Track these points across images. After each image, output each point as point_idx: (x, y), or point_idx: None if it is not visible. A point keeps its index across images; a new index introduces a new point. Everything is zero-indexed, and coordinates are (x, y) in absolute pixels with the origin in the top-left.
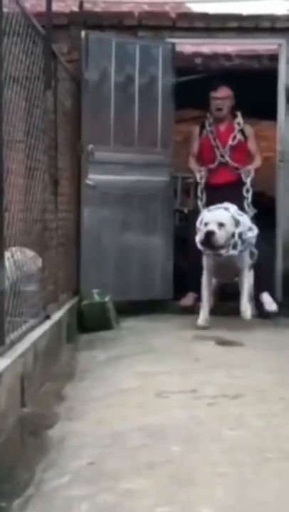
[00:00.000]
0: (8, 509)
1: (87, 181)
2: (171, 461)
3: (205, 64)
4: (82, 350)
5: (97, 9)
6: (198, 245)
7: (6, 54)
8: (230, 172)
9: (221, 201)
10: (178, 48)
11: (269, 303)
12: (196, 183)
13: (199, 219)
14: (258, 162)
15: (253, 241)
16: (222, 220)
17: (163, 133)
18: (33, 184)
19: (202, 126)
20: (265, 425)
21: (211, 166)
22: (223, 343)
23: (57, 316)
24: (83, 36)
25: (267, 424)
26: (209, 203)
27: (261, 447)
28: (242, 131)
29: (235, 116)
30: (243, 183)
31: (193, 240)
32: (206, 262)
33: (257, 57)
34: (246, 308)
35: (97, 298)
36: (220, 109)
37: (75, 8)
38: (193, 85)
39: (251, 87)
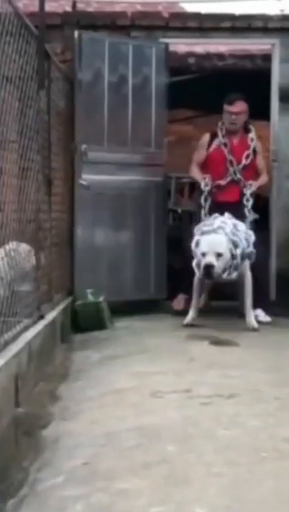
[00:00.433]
0: (2, 509)
1: (81, 181)
2: (165, 461)
3: (198, 64)
4: (77, 350)
5: (90, 9)
6: (195, 267)
7: None
8: (239, 190)
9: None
10: (171, 48)
11: (263, 316)
12: (191, 185)
13: (195, 240)
14: (263, 179)
15: (251, 249)
16: (219, 249)
17: (156, 133)
18: (27, 184)
19: (212, 136)
20: (260, 425)
21: (222, 182)
22: (217, 342)
23: (51, 316)
24: (76, 36)
25: (262, 424)
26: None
27: (256, 447)
28: (253, 148)
29: (247, 129)
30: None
31: (187, 243)
32: (198, 273)
33: (250, 57)
34: (251, 317)
35: (91, 298)
36: (234, 124)
37: (68, 8)
38: (186, 85)
39: (244, 87)
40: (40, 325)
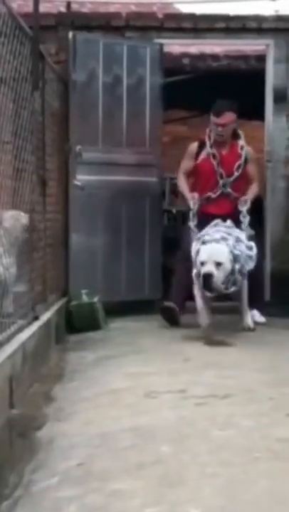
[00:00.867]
0: None
1: (75, 182)
2: (160, 462)
3: (193, 64)
4: (71, 351)
5: (85, 10)
6: (195, 280)
7: None
8: (230, 202)
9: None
10: (166, 49)
11: (258, 316)
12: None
13: (194, 248)
14: (254, 190)
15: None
16: (220, 258)
17: (151, 133)
18: (21, 185)
19: (201, 144)
20: (254, 425)
21: (212, 195)
22: (212, 342)
23: (45, 316)
24: (71, 37)
25: (256, 424)
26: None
27: (250, 447)
28: (245, 156)
29: (237, 136)
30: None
31: (181, 254)
32: (197, 284)
33: (244, 57)
34: (248, 317)
35: (85, 298)
36: (221, 135)
37: (63, 9)
38: (180, 86)
39: (239, 87)
40: (35, 326)
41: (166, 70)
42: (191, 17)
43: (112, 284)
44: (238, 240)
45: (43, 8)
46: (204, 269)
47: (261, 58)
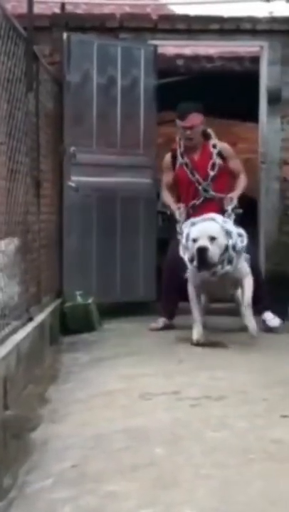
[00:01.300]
0: None
1: (70, 183)
2: (154, 463)
3: (187, 66)
4: (66, 352)
5: (79, 11)
6: (189, 265)
7: None
8: (216, 204)
9: None
10: (160, 50)
11: (270, 319)
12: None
13: (184, 234)
14: (242, 183)
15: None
16: (212, 233)
17: (145, 135)
18: (15, 186)
19: (174, 155)
20: (248, 426)
21: (196, 202)
22: (206, 344)
23: (40, 318)
24: (65, 38)
25: (250, 425)
26: None
27: (244, 448)
28: (219, 153)
29: (207, 136)
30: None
31: (171, 260)
32: (192, 279)
33: (238, 59)
34: (251, 323)
35: (80, 300)
36: (190, 139)
37: (57, 10)
38: (175, 87)
39: (233, 89)
40: (29, 327)
41: (160, 71)
42: (185, 18)
43: (106, 285)
44: (224, 220)
45: (37, 9)
46: (198, 244)
47: (255, 60)
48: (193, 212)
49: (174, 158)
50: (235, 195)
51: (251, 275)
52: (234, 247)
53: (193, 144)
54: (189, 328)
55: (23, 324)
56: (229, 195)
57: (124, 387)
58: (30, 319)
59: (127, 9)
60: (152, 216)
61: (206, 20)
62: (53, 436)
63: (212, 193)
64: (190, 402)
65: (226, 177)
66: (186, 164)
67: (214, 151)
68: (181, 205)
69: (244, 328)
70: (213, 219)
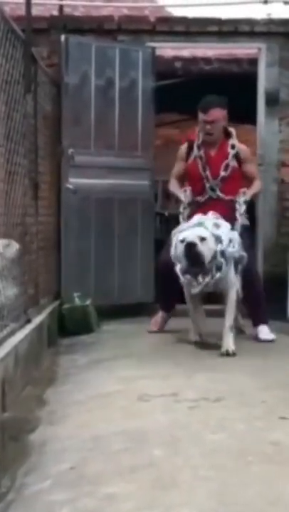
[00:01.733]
0: None
1: (68, 185)
2: (152, 465)
3: (185, 68)
4: (64, 354)
5: (77, 13)
6: (179, 273)
7: None
8: (222, 206)
9: None
10: (158, 52)
11: (265, 333)
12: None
13: (174, 240)
14: (257, 185)
15: (236, 255)
16: (202, 234)
17: (143, 137)
18: (14, 188)
19: (190, 145)
20: (246, 428)
21: (201, 199)
22: (204, 346)
23: (38, 319)
24: (63, 40)
25: (248, 428)
26: None
27: (243, 450)
28: (236, 155)
29: (228, 134)
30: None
31: (164, 259)
32: (186, 291)
33: (236, 61)
34: (228, 344)
35: (78, 302)
36: (210, 134)
37: (55, 13)
38: (173, 89)
39: (231, 90)
40: (27, 329)
41: (159, 73)
42: (184, 20)
43: (104, 287)
44: (216, 225)
45: (35, 11)
46: (187, 240)
47: (253, 62)
48: (196, 208)
49: (190, 148)
50: (249, 192)
51: (237, 286)
52: (223, 253)
53: (213, 139)
54: (187, 330)
55: (21, 326)
56: (243, 189)
57: (122, 388)
58: (28, 321)
59: (125, 11)
60: (150, 218)
61: (204, 22)
62: (51, 438)
63: (218, 193)
64: (188, 404)
65: (237, 181)
66: (201, 157)
67: (231, 152)
68: (188, 188)
69: (242, 331)
70: (202, 223)
